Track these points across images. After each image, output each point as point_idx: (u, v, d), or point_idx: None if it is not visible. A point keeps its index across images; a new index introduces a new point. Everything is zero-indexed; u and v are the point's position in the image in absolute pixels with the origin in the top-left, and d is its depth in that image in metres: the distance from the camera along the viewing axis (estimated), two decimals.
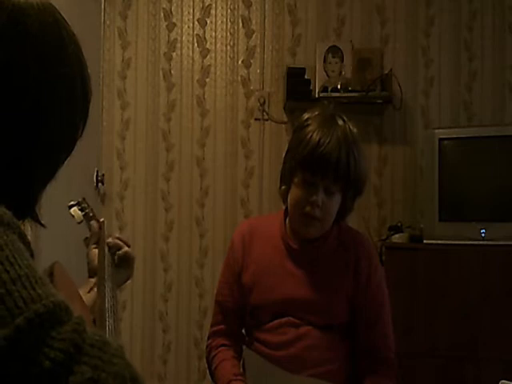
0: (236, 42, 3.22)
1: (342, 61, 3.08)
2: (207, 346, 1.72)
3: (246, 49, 3.22)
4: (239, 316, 1.69)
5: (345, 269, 1.61)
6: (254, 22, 3.22)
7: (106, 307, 0.91)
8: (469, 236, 2.59)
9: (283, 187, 1.64)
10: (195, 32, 3.23)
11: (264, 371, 1.49)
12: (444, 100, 3.16)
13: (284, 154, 1.66)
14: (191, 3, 3.24)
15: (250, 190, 3.18)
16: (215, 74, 3.22)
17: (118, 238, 1.15)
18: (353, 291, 1.60)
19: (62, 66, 0.74)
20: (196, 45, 3.23)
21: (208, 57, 3.22)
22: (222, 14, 3.23)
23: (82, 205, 1.17)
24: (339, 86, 2.94)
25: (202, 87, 3.22)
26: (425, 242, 2.66)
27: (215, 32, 3.23)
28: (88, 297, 1.00)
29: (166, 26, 3.24)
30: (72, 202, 1.16)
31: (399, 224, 2.95)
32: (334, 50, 3.09)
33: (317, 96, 2.95)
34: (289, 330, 1.57)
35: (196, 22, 3.24)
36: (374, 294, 1.62)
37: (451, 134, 2.74)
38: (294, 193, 1.57)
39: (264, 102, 3.18)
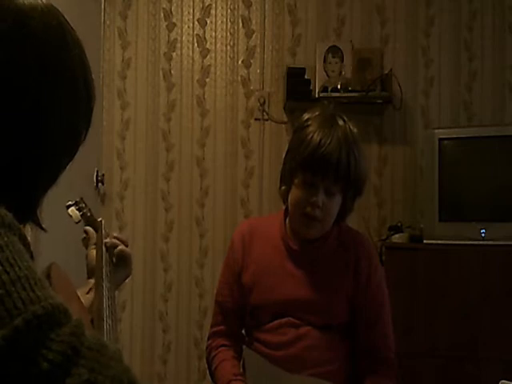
0: (236, 42, 3.22)
1: (342, 61, 3.08)
2: (207, 347, 1.72)
3: (246, 49, 3.22)
4: (239, 316, 1.69)
5: (345, 269, 1.61)
6: (253, 21, 3.22)
7: (104, 307, 0.91)
8: (469, 236, 2.59)
9: (283, 187, 1.64)
10: (195, 32, 3.23)
11: (264, 371, 1.49)
12: (444, 100, 3.16)
13: (284, 155, 1.66)
14: (191, 3, 3.24)
15: (250, 190, 3.18)
16: (215, 74, 3.22)
17: (116, 238, 1.15)
18: (353, 291, 1.60)
19: (65, 69, 0.75)
20: (196, 45, 3.23)
21: (208, 57, 3.22)
22: (222, 14, 3.23)
23: (80, 205, 1.17)
24: (339, 86, 2.94)
25: (202, 87, 3.22)
26: (425, 241, 2.66)
27: (215, 32, 3.23)
28: (86, 298, 1.00)
29: (166, 26, 3.24)
30: (70, 202, 1.17)
31: (399, 224, 2.95)
32: (334, 50, 3.09)
33: (317, 96, 2.95)
34: (289, 330, 1.57)
35: (196, 22, 3.24)
36: (374, 294, 1.62)
37: (451, 134, 2.74)
38: (295, 193, 1.57)
39: (264, 101, 3.18)
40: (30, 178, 0.72)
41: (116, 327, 0.92)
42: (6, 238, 0.56)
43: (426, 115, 3.15)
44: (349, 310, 1.60)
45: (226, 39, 3.22)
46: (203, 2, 3.24)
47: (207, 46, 3.23)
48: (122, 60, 3.24)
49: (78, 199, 1.18)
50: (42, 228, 0.76)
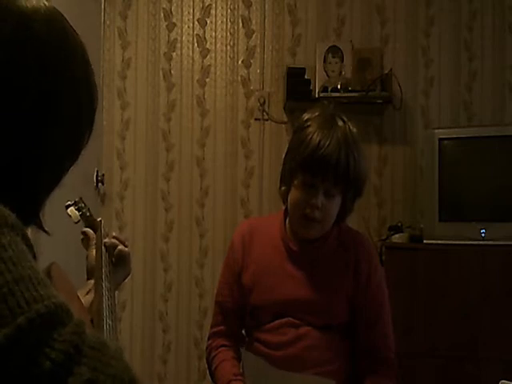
0: (236, 42, 3.22)
1: (342, 61, 3.08)
2: (207, 347, 1.72)
3: (246, 49, 3.22)
4: (239, 316, 1.69)
5: (345, 269, 1.61)
6: (253, 21, 3.22)
7: (103, 307, 0.91)
8: (469, 236, 2.59)
9: (283, 188, 1.64)
10: (195, 32, 3.24)
11: (262, 372, 1.49)
12: (444, 100, 3.16)
13: (284, 155, 1.66)
14: (191, 3, 3.24)
15: (250, 190, 3.18)
16: (215, 73, 3.22)
17: (115, 238, 1.15)
18: (353, 291, 1.60)
19: (67, 71, 0.75)
20: (196, 45, 3.23)
21: (208, 57, 3.22)
22: (222, 14, 3.23)
23: (79, 204, 1.17)
24: (339, 86, 2.94)
25: (202, 87, 3.22)
26: (425, 241, 2.66)
27: (215, 32, 3.23)
28: (86, 299, 1.00)
29: (166, 26, 3.24)
30: (69, 202, 1.17)
31: (399, 224, 2.95)
32: (334, 50, 3.09)
33: (317, 96, 2.95)
34: (289, 330, 1.57)
35: (196, 22, 3.24)
36: (374, 294, 1.62)
37: (451, 134, 2.74)
38: (294, 194, 1.57)
39: (264, 102, 3.18)
40: (32, 180, 0.72)
41: (116, 327, 0.92)
42: (8, 238, 0.56)
43: (426, 115, 3.15)
44: (349, 310, 1.60)
45: (226, 39, 3.22)
46: (203, 2, 3.24)
47: (207, 46, 3.23)
48: (122, 60, 3.24)
49: (77, 199, 1.18)
50: (45, 231, 0.76)
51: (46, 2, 0.75)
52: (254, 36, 3.21)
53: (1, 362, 0.49)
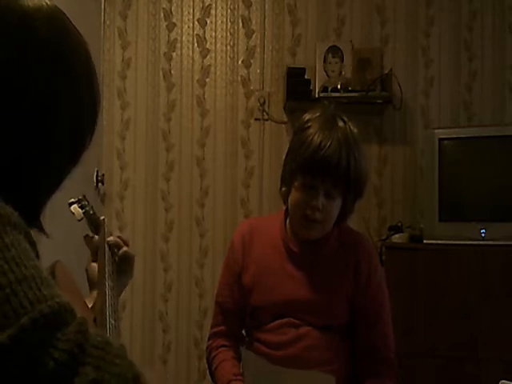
0: (236, 42, 3.22)
1: (342, 61, 3.08)
2: (207, 347, 1.72)
3: (246, 49, 3.22)
4: (239, 317, 1.69)
5: (345, 269, 1.61)
6: (253, 21, 3.22)
7: (106, 306, 0.91)
8: (469, 236, 2.59)
9: (283, 189, 1.64)
10: (195, 32, 3.23)
11: (262, 370, 1.49)
12: (444, 100, 3.16)
13: (284, 155, 1.66)
14: (191, 3, 3.24)
15: (250, 190, 3.18)
16: (215, 73, 3.22)
17: (119, 237, 1.15)
18: (353, 291, 1.60)
19: (70, 72, 0.74)
20: (196, 45, 3.23)
21: (208, 57, 3.22)
22: (222, 14, 3.23)
23: (82, 202, 1.17)
24: (339, 86, 2.94)
25: (202, 87, 3.22)
26: (425, 241, 2.66)
27: (215, 32, 3.23)
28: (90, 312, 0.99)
29: (166, 26, 3.24)
30: (72, 200, 1.16)
31: (399, 224, 2.95)
32: (334, 50, 3.09)
33: (317, 96, 2.95)
34: (289, 330, 1.57)
35: (196, 22, 3.24)
36: (374, 294, 1.62)
37: (451, 134, 2.74)
38: (295, 196, 1.57)
39: (264, 102, 3.18)
40: (32, 182, 0.72)
41: (119, 326, 0.91)
42: (11, 237, 0.56)
43: (426, 115, 3.15)
44: (349, 311, 1.60)
45: (226, 39, 3.22)
46: (203, 2, 3.24)
47: (207, 45, 3.23)
48: (122, 60, 3.24)
49: (80, 197, 1.18)
50: (46, 234, 0.76)
51: (48, 1, 0.75)
52: (253, 36, 3.21)
53: (5, 363, 0.49)
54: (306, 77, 3.03)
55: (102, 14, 3.19)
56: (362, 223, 2.93)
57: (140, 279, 3.14)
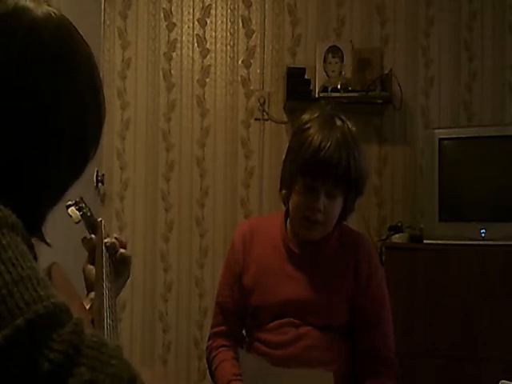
0: (236, 42, 3.22)
1: (342, 61, 3.08)
2: (207, 347, 1.72)
3: (246, 49, 3.22)
4: (239, 317, 1.69)
5: (345, 269, 1.61)
6: (253, 22, 3.22)
7: (104, 307, 0.91)
8: (469, 236, 2.59)
9: (284, 191, 1.64)
10: (195, 32, 3.23)
11: (260, 370, 1.49)
12: (444, 100, 3.16)
13: (284, 157, 1.66)
14: (191, 3, 3.24)
15: (250, 190, 3.18)
16: (215, 73, 3.22)
17: (116, 239, 1.14)
18: (353, 291, 1.60)
19: (74, 80, 0.75)
20: (196, 45, 3.23)
21: (208, 57, 3.22)
22: (222, 14, 3.23)
23: (80, 204, 1.17)
24: (339, 86, 2.94)
25: (202, 87, 3.22)
26: (425, 241, 2.66)
27: (215, 32, 3.23)
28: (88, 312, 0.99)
29: (166, 25, 3.24)
30: (69, 202, 1.16)
31: (399, 224, 2.95)
32: (334, 50, 3.09)
33: (317, 96, 2.95)
34: (289, 329, 1.57)
35: (196, 22, 3.24)
36: (374, 294, 1.62)
37: (451, 134, 2.74)
38: (296, 198, 1.57)
39: (264, 101, 3.18)
40: (33, 187, 0.72)
41: (116, 327, 0.91)
42: (8, 238, 0.56)
43: (426, 115, 3.15)
44: (349, 311, 1.60)
45: (226, 39, 3.22)
46: (203, 2, 3.24)
47: (207, 45, 3.23)
48: (122, 60, 3.24)
49: (77, 199, 1.18)
50: (47, 243, 0.76)
51: (56, 11, 0.76)
52: (253, 36, 3.21)
53: (0, 363, 0.49)
54: (305, 77, 3.03)
55: (102, 14, 3.19)
56: (362, 223, 2.93)
57: (140, 279, 3.14)
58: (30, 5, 0.73)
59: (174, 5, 3.24)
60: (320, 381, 1.45)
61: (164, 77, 3.23)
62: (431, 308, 2.58)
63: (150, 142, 3.22)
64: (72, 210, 1.16)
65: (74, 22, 0.79)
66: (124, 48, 3.24)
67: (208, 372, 1.72)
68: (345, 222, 1.70)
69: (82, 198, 1.19)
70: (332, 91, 2.94)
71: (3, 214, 0.59)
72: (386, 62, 3.13)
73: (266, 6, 3.21)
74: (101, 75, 0.82)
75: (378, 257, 1.81)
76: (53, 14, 0.75)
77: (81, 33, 0.79)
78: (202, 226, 3.19)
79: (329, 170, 1.50)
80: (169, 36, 3.24)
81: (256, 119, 3.18)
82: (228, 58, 3.22)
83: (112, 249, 1.12)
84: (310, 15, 3.20)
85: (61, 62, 0.73)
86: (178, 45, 3.24)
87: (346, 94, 2.93)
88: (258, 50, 3.21)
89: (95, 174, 3.04)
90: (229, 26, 3.22)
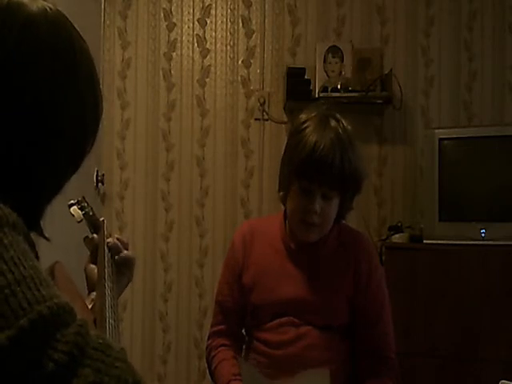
0: (236, 42, 3.22)
1: (342, 61, 3.08)
2: (207, 347, 1.72)
3: (246, 49, 3.22)
4: (239, 316, 1.69)
5: (345, 269, 1.61)
6: (253, 22, 3.22)
7: (106, 307, 0.91)
8: (469, 236, 2.59)
9: (281, 193, 1.64)
10: (195, 32, 3.23)
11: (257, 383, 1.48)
12: (444, 100, 3.16)
13: (281, 158, 1.66)
14: (191, 3, 3.24)
15: (250, 190, 3.18)
16: (215, 73, 3.22)
17: (118, 239, 1.14)
18: (353, 291, 1.60)
19: (71, 75, 0.75)
20: (196, 45, 3.23)
21: (208, 57, 3.22)
22: (222, 14, 3.23)
23: (82, 204, 1.17)
24: (339, 86, 2.94)
25: (202, 87, 3.22)
26: (425, 242, 2.66)
27: (215, 32, 3.23)
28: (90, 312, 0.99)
29: (166, 25, 3.24)
30: (72, 201, 1.16)
31: (399, 224, 2.95)
32: (334, 50, 3.09)
33: (317, 96, 2.95)
34: (289, 329, 1.57)
35: (196, 22, 3.24)
36: (374, 293, 1.62)
37: (451, 134, 2.74)
38: (292, 200, 1.57)
39: (264, 102, 3.18)
40: (34, 190, 0.72)
41: (118, 327, 0.91)
42: (10, 237, 0.56)
43: (426, 115, 3.15)
44: (349, 310, 1.60)
45: (226, 39, 3.22)
46: (203, 2, 3.24)
47: (207, 45, 3.23)
48: (122, 60, 3.24)
49: (79, 198, 1.18)
50: (46, 238, 0.76)
51: (51, 6, 0.75)
52: (253, 36, 3.21)
53: (4, 364, 0.48)
54: (306, 77, 3.03)
55: (102, 14, 3.19)
56: (362, 223, 2.93)
57: (140, 279, 3.14)
58: (25, 0, 0.73)
59: (174, 5, 3.24)
60: (316, 381, 1.44)
61: (164, 77, 3.23)
62: (431, 308, 2.58)
63: (150, 142, 3.22)
64: (74, 210, 1.16)
65: (73, 22, 0.79)
66: (124, 48, 3.24)
67: (208, 371, 1.72)
68: (344, 222, 1.70)
69: (84, 198, 1.19)
70: (332, 91, 2.94)
71: (4, 213, 0.58)
72: (386, 61, 3.13)
73: (266, 6, 3.21)
74: (99, 72, 0.82)
75: (377, 256, 1.82)
76: (48, 9, 0.74)
77: (80, 31, 0.79)
78: (202, 226, 3.19)
79: (323, 170, 1.50)
80: (169, 36, 3.24)
81: (256, 119, 3.18)
82: (228, 58, 3.22)
83: (114, 249, 1.12)
84: (310, 15, 3.20)
85: (58, 59, 0.73)
86: (178, 45, 3.24)
87: (346, 94, 2.93)
88: (258, 50, 3.21)
89: (95, 173, 3.04)
90: (229, 26, 3.22)
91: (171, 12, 3.24)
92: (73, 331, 0.51)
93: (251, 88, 3.20)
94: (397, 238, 2.83)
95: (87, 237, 1.16)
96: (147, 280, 3.18)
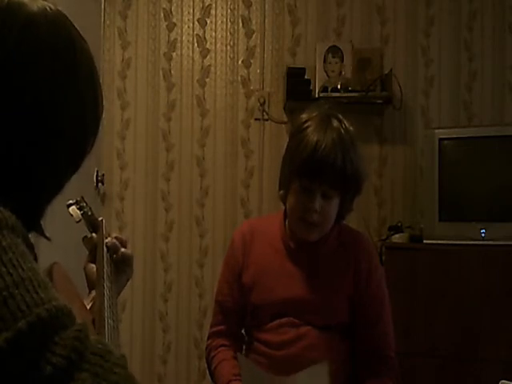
0: (236, 42, 3.22)
1: (342, 61, 3.08)
2: (207, 347, 1.72)
3: (246, 49, 3.22)
4: (239, 316, 1.69)
5: (345, 269, 1.61)
6: (253, 22, 3.22)
7: (105, 307, 0.91)
8: (469, 236, 2.59)
9: (281, 192, 1.64)
10: (195, 32, 3.23)
11: (257, 379, 1.48)
12: (444, 100, 3.16)
13: (282, 158, 1.66)
14: (191, 3, 3.24)
15: (250, 190, 3.18)
16: (215, 73, 3.22)
17: (117, 238, 1.14)
18: (353, 291, 1.60)
19: (73, 82, 0.75)
20: (196, 45, 3.23)
21: (208, 57, 3.22)
22: (222, 14, 3.23)
23: (81, 204, 1.17)
24: (339, 86, 2.94)
25: (202, 87, 3.22)
26: (425, 242, 2.66)
27: (215, 32, 3.23)
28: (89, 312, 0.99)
29: (166, 25, 3.24)
30: (70, 201, 1.16)
31: (399, 224, 2.95)
32: (334, 50, 3.09)
33: (317, 96, 2.95)
34: (289, 329, 1.57)
35: (196, 22, 3.24)
36: (374, 293, 1.62)
37: (451, 134, 2.74)
38: (292, 199, 1.57)
39: (264, 102, 3.18)
40: (35, 189, 0.72)
41: (117, 327, 0.91)
42: (9, 240, 0.56)
43: (426, 115, 3.15)
44: (349, 310, 1.60)
45: (226, 39, 3.22)
46: (203, 2, 3.24)
47: (207, 45, 3.23)
48: (122, 60, 3.24)
49: (78, 198, 1.18)
50: (46, 237, 0.76)
51: (51, 6, 0.75)
52: (253, 36, 3.21)
53: (2, 366, 0.48)
54: (306, 77, 3.03)
55: (102, 14, 3.19)
56: (362, 223, 2.93)
57: (140, 279, 3.14)
58: (25, 0, 0.73)
59: (174, 5, 3.24)
60: (316, 376, 1.44)
61: (164, 77, 3.23)
62: (431, 308, 2.58)
63: (150, 142, 3.22)
64: (73, 209, 1.15)
65: (73, 22, 0.79)
66: (124, 48, 3.24)
67: (208, 372, 1.72)
68: (344, 222, 1.70)
69: (82, 197, 1.19)
70: (332, 91, 2.94)
71: (3, 216, 0.58)
72: (386, 61, 3.13)
73: (266, 6, 3.21)
74: (99, 72, 0.82)
75: (377, 256, 1.82)
76: (48, 9, 0.74)
77: (80, 31, 0.79)
78: (202, 226, 3.19)
79: (325, 170, 1.50)
80: (169, 36, 3.24)
81: (256, 119, 3.18)
82: (228, 58, 3.22)
83: (113, 249, 1.12)
84: (310, 15, 3.20)
85: (58, 58, 0.73)
86: (178, 45, 3.24)
87: (346, 94, 2.93)
88: (258, 50, 3.21)
89: (95, 173, 3.04)
90: (229, 26, 3.22)
91: (171, 12, 3.24)
92: (72, 335, 0.51)
93: (251, 88, 3.20)
94: (397, 237, 2.83)
95: (86, 236, 1.16)
96: (147, 280, 3.18)
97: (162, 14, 3.24)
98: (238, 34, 3.22)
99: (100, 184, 3.09)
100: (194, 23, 3.24)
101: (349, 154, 1.52)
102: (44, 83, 0.71)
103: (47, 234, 0.76)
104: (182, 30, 3.24)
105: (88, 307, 0.99)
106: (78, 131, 0.76)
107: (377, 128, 3.15)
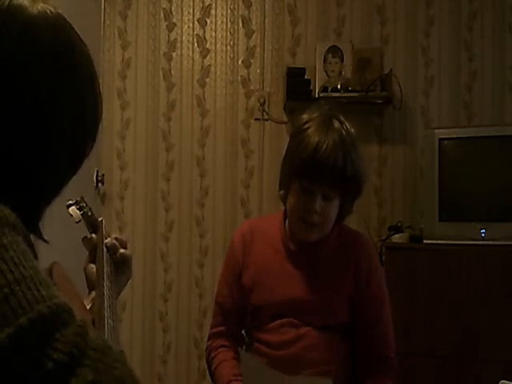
0: (236, 42, 3.22)
1: (342, 61, 3.08)
2: (207, 347, 1.72)
3: (246, 49, 3.22)
4: (239, 317, 1.69)
5: (345, 269, 1.61)
6: (253, 22, 3.22)
7: (104, 307, 0.91)
8: (469, 236, 2.59)
9: (281, 192, 1.64)
10: (195, 32, 3.24)
11: (260, 374, 1.49)
12: (444, 100, 3.16)
13: (282, 158, 1.66)
14: (191, 3, 3.25)
15: (250, 190, 3.18)
16: (215, 73, 3.22)
17: (116, 238, 1.14)
18: (353, 291, 1.60)
19: (73, 83, 0.75)
20: (196, 45, 3.23)
21: (208, 57, 3.22)
22: (222, 14, 3.23)
23: (81, 204, 1.17)
24: (339, 86, 2.94)
25: (202, 87, 3.22)
26: (425, 242, 2.66)
27: (215, 32, 3.23)
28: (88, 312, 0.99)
29: (166, 25, 3.24)
30: (70, 202, 1.16)
31: (399, 224, 2.95)
32: (334, 50, 3.09)
33: (317, 96, 2.95)
34: (289, 330, 1.57)
35: (196, 22, 3.24)
36: (374, 293, 1.62)
37: (451, 134, 2.74)
38: (292, 199, 1.57)
39: (264, 102, 3.18)
40: (33, 192, 0.72)
41: (117, 327, 0.91)
42: (10, 238, 0.56)
43: (426, 115, 3.15)
44: (349, 311, 1.60)
45: (226, 39, 3.22)
46: (203, 2, 3.24)
47: (207, 45, 3.23)
48: (122, 60, 3.24)
49: (78, 198, 1.18)
50: (45, 240, 0.76)
51: (51, 9, 0.76)
52: (253, 36, 3.21)
53: (3, 363, 0.49)
54: (306, 77, 3.03)
55: (102, 14, 3.19)
56: (362, 223, 2.93)
57: (140, 279, 3.14)
58: (25, 2, 0.73)
59: (174, 5, 3.24)
60: None
61: (164, 77, 3.23)
62: (431, 308, 2.58)
63: (150, 142, 3.22)
64: (73, 210, 1.15)
65: (73, 22, 0.79)
66: (124, 48, 3.24)
67: (208, 372, 1.72)
68: (344, 222, 1.70)
69: (82, 198, 1.19)
70: (332, 91, 2.94)
71: (4, 214, 0.59)
72: (386, 61, 3.13)
73: (266, 6, 3.21)
74: (99, 73, 0.82)
75: (377, 256, 1.81)
76: (48, 12, 0.74)
77: (80, 32, 0.79)
78: (202, 226, 3.19)
79: (325, 171, 1.49)
80: (169, 36, 3.24)
81: (256, 119, 3.19)
82: (228, 58, 3.22)
83: (112, 249, 1.12)
84: (310, 15, 3.20)
85: (58, 60, 0.73)
86: (178, 45, 3.24)
87: (346, 94, 2.93)
88: (258, 50, 3.21)
89: (95, 173, 3.04)
90: (229, 26, 3.23)
91: (171, 12, 3.24)
92: (72, 331, 0.51)
93: (251, 88, 3.20)
94: (397, 238, 2.84)
95: (86, 237, 1.16)
96: (147, 280, 3.18)
97: (162, 14, 3.24)
98: (237, 34, 3.22)
99: (100, 184, 3.09)
100: (193, 23, 3.24)
101: (350, 155, 1.51)
102: (44, 83, 0.71)
103: (45, 237, 0.76)
104: (181, 30, 3.24)
105: (88, 307, 0.99)
106: (78, 131, 0.77)
107: (377, 128, 3.15)
